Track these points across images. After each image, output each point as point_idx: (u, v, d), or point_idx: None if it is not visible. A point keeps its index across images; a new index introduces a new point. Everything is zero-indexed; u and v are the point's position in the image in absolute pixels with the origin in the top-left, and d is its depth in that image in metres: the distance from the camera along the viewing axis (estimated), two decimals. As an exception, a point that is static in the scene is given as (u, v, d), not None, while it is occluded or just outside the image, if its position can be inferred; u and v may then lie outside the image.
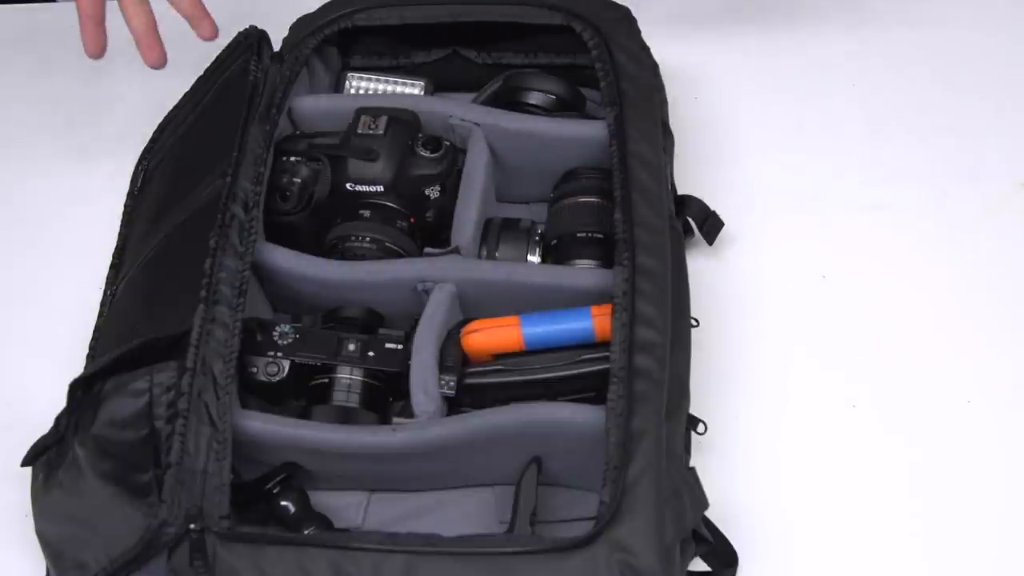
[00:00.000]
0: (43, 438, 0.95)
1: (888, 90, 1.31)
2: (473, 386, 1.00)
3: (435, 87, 1.24)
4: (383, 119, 1.11)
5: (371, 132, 1.11)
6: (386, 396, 1.03)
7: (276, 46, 1.18)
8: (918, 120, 1.28)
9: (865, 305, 1.14)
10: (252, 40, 1.15)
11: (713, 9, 1.40)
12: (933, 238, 1.19)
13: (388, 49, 1.26)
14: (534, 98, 1.18)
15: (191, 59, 1.20)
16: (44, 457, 0.94)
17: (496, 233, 1.10)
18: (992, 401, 1.08)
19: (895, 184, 1.23)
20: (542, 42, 1.23)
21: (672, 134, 1.16)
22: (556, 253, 1.08)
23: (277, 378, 1.01)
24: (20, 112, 1.35)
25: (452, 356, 1.00)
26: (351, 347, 1.02)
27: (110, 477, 0.90)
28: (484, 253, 1.09)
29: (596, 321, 0.99)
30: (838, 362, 1.10)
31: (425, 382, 0.98)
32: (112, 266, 1.15)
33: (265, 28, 1.17)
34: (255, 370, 1.00)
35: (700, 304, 1.06)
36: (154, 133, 1.23)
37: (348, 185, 1.10)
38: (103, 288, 1.14)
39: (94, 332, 1.10)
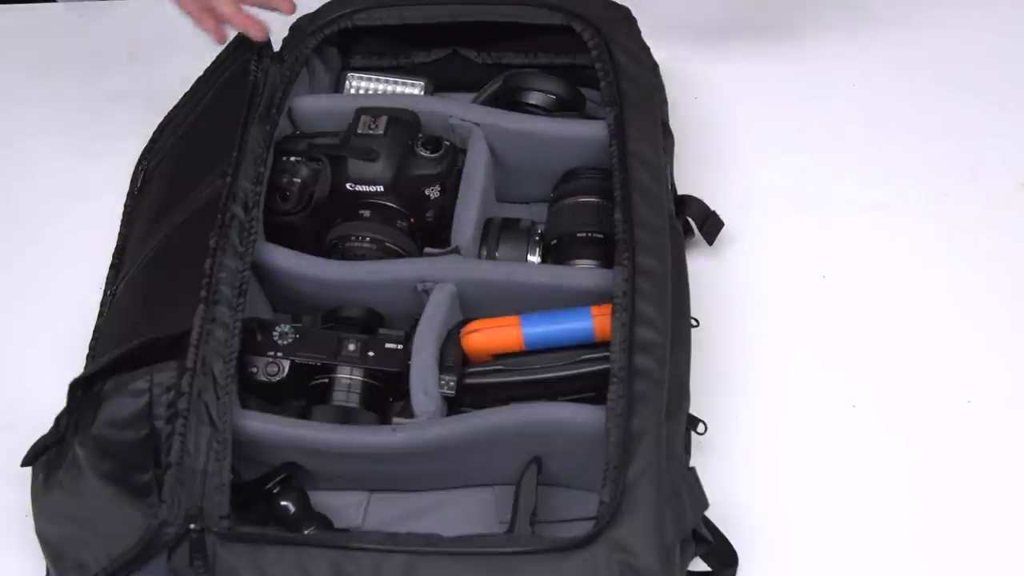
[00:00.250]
0: (43, 438, 0.95)
1: (888, 91, 1.31)
2: (473, 386, 1.00)
3: (435, 87, 1.24)
4: (383, 119, 1.11)
5: (371, 132, 1.11)
6: (386, 396, 1.03)
7: (276, 46, 1.18)
8: (918, 120, 1.28)
9: (865, 305, 1.14)
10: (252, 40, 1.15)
11: (713, 9, 1.40)
12: (933, 238, 1.19)
13: (388, 49, 1.26)
14: (534, 98, 1.18)
15: (191, 59, 1.20)
16: (44, 457, 0.94)
17: (496, 233, 1.10)
18: (992, 401, 1.08)
19: (895, 184, 1.23)
20: (542, 42, 1.23)
21: (672, 134, 1.16)
22: (556, 253, 1.08)
23: (277, 378, 1.01)
24: (20, 112, 1.35)
25: (452, 356, 1.00)
26: (351, 347, 1.02)
27: (110, 477, 0.90)
28: (484, 253, 1.09)
29: (596, 321, 0.99)
30: (838, 362, 1.10)
31: (425, 382, 0.98)
32: (112, 266, 1.15)
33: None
34: (255, 370, 1.00)
35: (700, 304, 1.06)
36: (154, 133, 1.23)
37: (348, 185, 1.10)
38: (103, 288, 1.14)
39: (94, 332, 1.10)
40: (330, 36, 1.19)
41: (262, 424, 0.96)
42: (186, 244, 1.03)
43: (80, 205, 1.25)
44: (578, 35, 1.15)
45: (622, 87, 1.11)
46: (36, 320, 1.18)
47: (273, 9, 1.14)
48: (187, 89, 1.21)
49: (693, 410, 1.00)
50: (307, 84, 1.18)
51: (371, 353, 1.02)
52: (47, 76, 1.37)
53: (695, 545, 0.94)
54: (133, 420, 0.91)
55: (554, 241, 1.09)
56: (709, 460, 1.00)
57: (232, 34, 1.14)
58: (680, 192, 1.17)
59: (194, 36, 1.14)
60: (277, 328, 1.02)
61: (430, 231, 1.12)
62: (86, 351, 1.08)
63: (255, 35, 1.12)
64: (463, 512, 1.02)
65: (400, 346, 1.02)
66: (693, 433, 1.00)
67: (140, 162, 1.22)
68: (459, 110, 1.15)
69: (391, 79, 1.23)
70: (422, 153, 1.11)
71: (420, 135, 1.12)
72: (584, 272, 1.06)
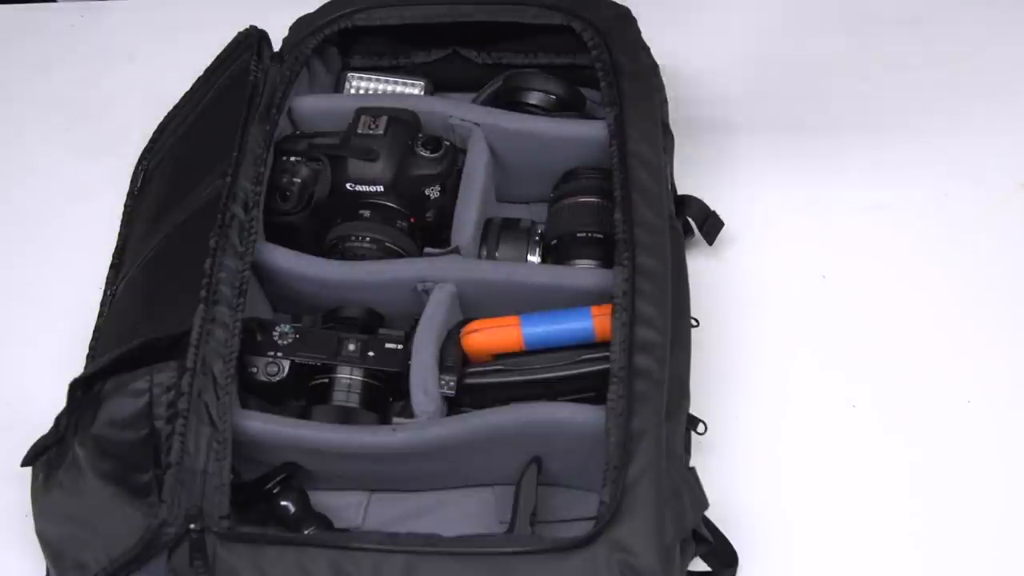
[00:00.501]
0: (43, 438, 0.95)
1: (888, 90, 1.31)
2: (473, 386, 1.00)
3: (435, 87, 1.24)
4: (383, 119, 1.11)
5: (371, 132, 1.11)
6: (386, 396, 1.03)
7: (276, 46, 1.18)
8: (918, 120, 1.28)
9: (865, 305, 1.14)
10: (252, 40, 1.15)
11: (713, 9, 1.40)
12: (933, 238, 1.19)
13: (388, 49, 1.26)
14: (534, 98, 1.18)
15: (191, 59, 1.20)
16: (44, 457, 0.94)
17: (496, 233, 1.10)
18: (992, 401, 1.08)
19: (895, 184, 1.23)
20: (542, 42, 1.23)
21: (672, 134, 1.16)
22: (556, 253, 1.08)
23: (277, 378, 1.01)
24: (20, 111, 1.35)
25: (452, 356, 1.00)
26: (351, 347, 1.02)
27: (110, 477, 0.90)
28: (484, 253, 1.09)
29: (596, 321, 0.99)
30: (838, 362, 1.10)
31: (425, 382, 0.98)
32: (112, 266, 1.15)
33: (265, 28, 1.17)
34: (255, 370, 1.00)
35: (700, 304, 1.06)
36: (154, 133, 1.23)
37: (348, 185, 1.10)
38: (103, 288, 1.14)
39: (94, 332, 1.10)
40: (330, 36, 1.19)
41: (262, 424, 0.96)
42: (186, 244, 1.03)
43: (80, 205, 1.26)
44: (578, 35, 1.15)
45: (622, 87, 1.11)
46: (36, 320, 1.18)
47: None
48: (187, 89, 1.21)
49: (693, 410, 1.00)
50: (307, 84, 1.18)
51: (371, 353, 1.02)
52: (47, 76, 1.37)
53: (695, 545, 0.94)
54: (133, 420, 0.91)
55: (554, 241, 1.09)
56: (709, 460, 1.00)
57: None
58: (680, 192, 1.17)
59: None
60: (277, 328, 1.02)
61: (430, 231, 1.12)
62: (86, 351, 1.08)
63: None
64: (463, 512, 1.02)
65: (400, 346, 1.02)
66: (693, 433, 1.00)
67: (140, 162, 1.22)
68: (459, 110, 1.15)
69: (391, 79, 1.23)
70: (422, 153, 1.11)
71: (420, 135, 1.12)
72: (584, 272, 1.06)
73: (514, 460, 0.97)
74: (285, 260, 1.06)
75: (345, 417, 1.00)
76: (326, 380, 1.02)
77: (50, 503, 0.93)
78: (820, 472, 1.04)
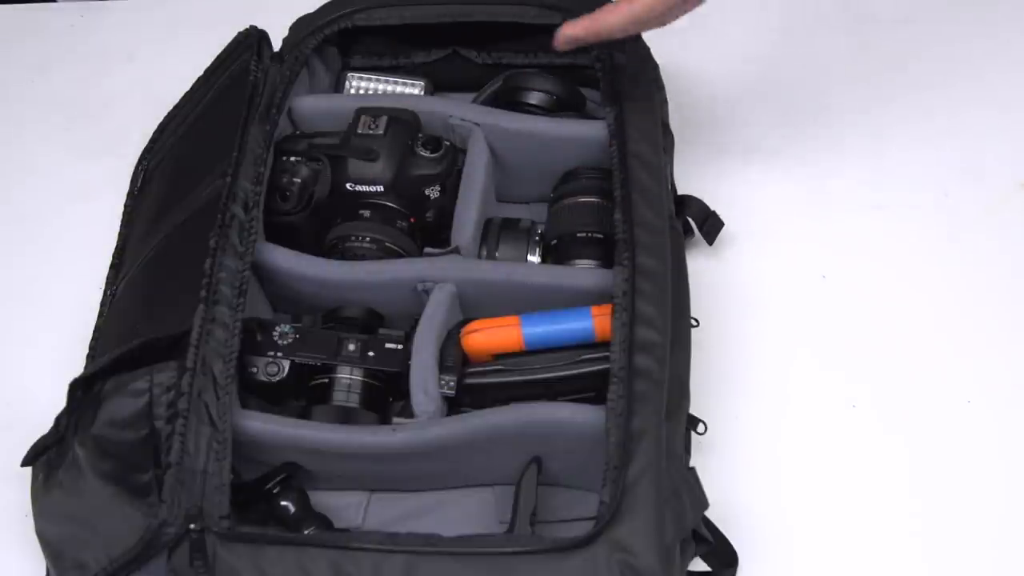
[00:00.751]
0: (43, 438, 0.95)
1: (888, 90, 1.31)
2: (473, 386, 1.00)
3: (435, 87, 1.24)
4: (383, 119, 1.11)
5: (371, 132, 1.11)
6: (386, 396, 1.03)
7: (276, 46, 1.18)
8: (918, 120, 1.28)
9: (865, 305, 1.14)
10: (252, 40, 1.15)
11: (713, 9, 1.40)
12: (933, 238, 1.19)
13: (388, 49, 1.26)
14: (534, 98, 1.18)
15: (191, 59, 1.20)
16: (44, 457, 0.94)
17: (496, 233, 1.10)
18: (992, 401, 1.08)
19: (895, 184, 1.23)
20: (542, 42, 1.22)
21: (672, 134, 1.16)
22: (556, 253, 1.08)
23: (277, 378, 1.01)
24: (20, 111, 1.35)
25: (452, 356, 1.00)
26: (351, 347, 1.02)
27: (110, 477, 0.90)
28: (484, 253, 1.09)
29: (596, 321, 0.99)
30: (838, 362, 1.10)
31: (425, 382, 0.98)
32: (112, 266, 1.15)
33: (265, 28, 1.17)
34: (255, 370, 1.00)
35: (700, 304, 1.06)
36: (154, 133, 1.23)
37: (348, 185, 1.10)
38: (103, 288, 1.14)
39: (94, 332, 1.10)
40: (330, 36, 1.19)
41: (262, 424, 0.96)
42: (186, 244, 1.03)
43: (80, 205, 1.26)
44: (578, 35, 1.15)
45: (622, 87, 1.11)
46: (36, 320, 1.18)
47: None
48: (187, 89, 1.21)
49: (693, 410, 1.00)
50: (307, 84, 1.18)
51: (371, 353, 1.02)
52: (47, 76, 1.37)
53: (695, 545, 0.94)
54: (133, 420, 0.91)
55: (554, 241, 1.09)
56: (709, 460, 1.00)
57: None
58: (680, 192, 1.17)
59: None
60: (277, 328, 1.02)
61: (430, 231, 1.12)
62: (86, 351, 1.08)
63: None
64: (463, 512, 1.02)
65: (400, 346, 1.02)
66: (693, 433, 1.00)
67: (140, 162, 1.22)
68: (459, 110, 1.15)
69: (391, 79, 1.23)
70: (422, 153, 1.11)
71: (420, 135, 1.12)
72: (584, 272, 1.06)
73: (514, 460, 0.97)
74: (285, 260, 1.06)
75: (345, 417, 1.00)
76: (326, 380, 1.02)
77: (50, 503, 0.93)
78: (820, 472, 1.04)
